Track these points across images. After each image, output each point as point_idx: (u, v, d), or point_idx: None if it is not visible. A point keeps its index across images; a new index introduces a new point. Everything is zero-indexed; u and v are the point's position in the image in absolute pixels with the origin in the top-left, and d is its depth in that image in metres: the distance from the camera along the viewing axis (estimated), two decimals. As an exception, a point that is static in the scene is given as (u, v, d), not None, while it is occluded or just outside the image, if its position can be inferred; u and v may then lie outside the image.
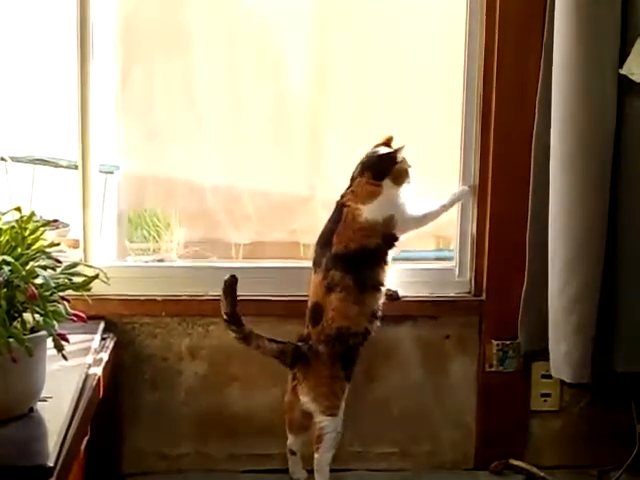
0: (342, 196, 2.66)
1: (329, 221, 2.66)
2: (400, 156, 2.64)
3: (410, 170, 2.66)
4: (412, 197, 2.67)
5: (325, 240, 2.64)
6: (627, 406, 2.83)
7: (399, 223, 2.63)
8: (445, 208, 2.78)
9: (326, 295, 2.60)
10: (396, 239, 2.65)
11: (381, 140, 2.71)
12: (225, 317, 2.58)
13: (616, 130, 2.57)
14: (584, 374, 2.66)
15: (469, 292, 2.91)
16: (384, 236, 2.62)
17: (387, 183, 2.62)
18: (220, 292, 2.59)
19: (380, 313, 2.64)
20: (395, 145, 2.67)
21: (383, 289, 2.64)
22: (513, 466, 2.88)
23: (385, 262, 2.64)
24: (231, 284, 2.58)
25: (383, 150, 2.67)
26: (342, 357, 2.60)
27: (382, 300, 2.64)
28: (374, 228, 2.60)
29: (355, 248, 2.59)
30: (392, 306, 2.72)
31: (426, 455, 2.95)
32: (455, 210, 2.89)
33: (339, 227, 2.62)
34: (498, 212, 2.81)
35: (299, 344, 2.62)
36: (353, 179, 2.66)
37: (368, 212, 2.60)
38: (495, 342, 2.85)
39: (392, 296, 2.74)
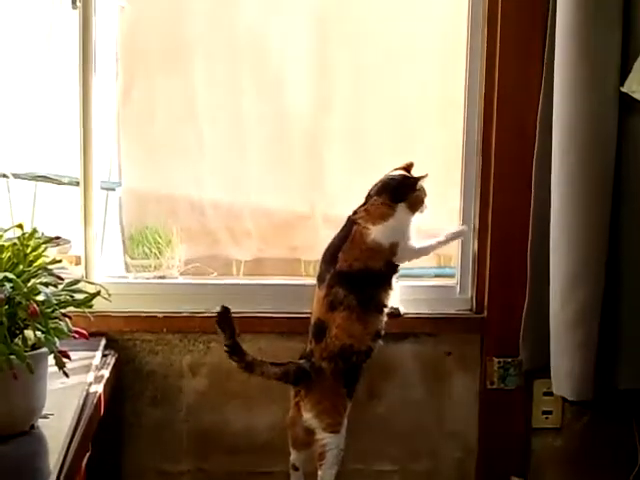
0: (354, 212, 2.65)
1: (337, 236, 2.65)
2: (420, 184, 2.63)
3: (425, 201, 2.65)
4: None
5: (330, 256, 2.63)
6: (629, 424, 2.83)
7: (400, 252, 2.62)
8: (441, 244, 2.75)
9: (329, 312, 2.59)
10: (396, 266, 2.64)
11: (401, 165, 2.68)
12: (226, 349, 2.55)
13: (617, 148, 2.57)
14: (586, 391, 2.65)
15: (470, 309, 2.91)
16: (387, 262, 2.61)
17: (402, 207, 2.61)
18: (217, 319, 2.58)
19: (383, 332, 2.63)
20: (415, 172, 2.66)
21: (387, 310, 2.63)
22: (514, 484, 2.88)
23: (389, 286, 2.63)
24: (224, 315, 2.56)
25: (403, 174, 2.66)
26: (345, 374, 2.59)
27: (385, 320, 2.63)
28: (379, 251, 2.59)
29: (359, 268, 2.59)
30: (393, 323, 2.71)
31: (427, 473, 2.94)
32: (456, 227, 2.88)
33: (346, 244, 2.61)
34: (499, 229, 2.81)
35: (301, 362, 2.61)
36: (369, 197, 2.64)
37: (376, 233, 2.59)
38: (496, 359, 2.84)
39: (393, 313, 2.73)
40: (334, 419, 2.59)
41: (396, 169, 2.67)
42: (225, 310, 2.56)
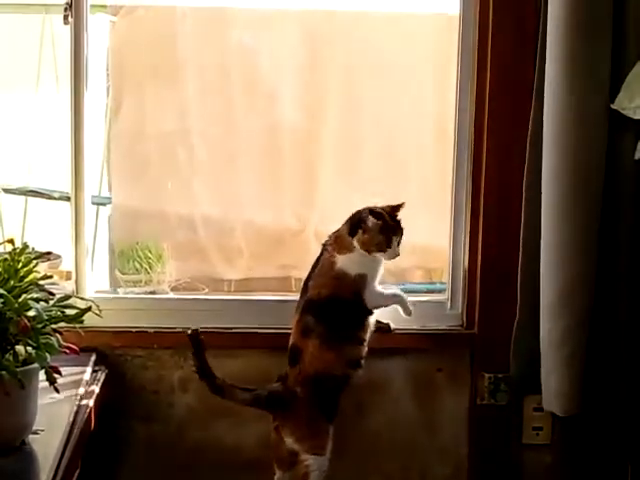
0: (327, 239, 2.62)
1: (314, 263, 2.64)
2: (372, 221, 2.51)
3: (385, 246, 2.53)
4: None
5: (305, 283, 2.63)
6: (619, 440, 2.83)
7: (369, 286, 2.57)
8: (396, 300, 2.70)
9: (302, 338, 2.57)
10: (364, 302, 2.58)
11: (394, 204, 2.60)
12: (196, 370, 2.54)
13: (608, 165, 2.58)
14: (575, 408, 2.66)
15: (461, 325, 2.91)
16: (355, 293, 2.57)
17: (356, 243, 2.55)
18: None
19: (363, 362, 2.60)
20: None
21: (365, 344, 2.60)
22: (504, 500, 2.88)
23: (363, 319, 2.60)
24: (194, 338, 2.54)
25: (374, 207, 2.56)
26: (320, 400, 2.57)
27: (365, 352, 2.60)
28: (345, 281, 2.56)
29: (327, 296, 2.56)
30: (383, 339, 2.72)
31: (418, 489, 2.94)
32: (447, 243, 2.89)
33: (315, 271, 2.61)
34: (490, 245, 2.81)
35: (274, 386, 2.60)
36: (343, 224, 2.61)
37: (342, 262, 2.56)
38: (487, 375, 2.84)
39: (383, 328, 2.73)
40: (316, 442, 2.57)
41: (389, 205, 2.59)
42: (195, 332, 2.54)
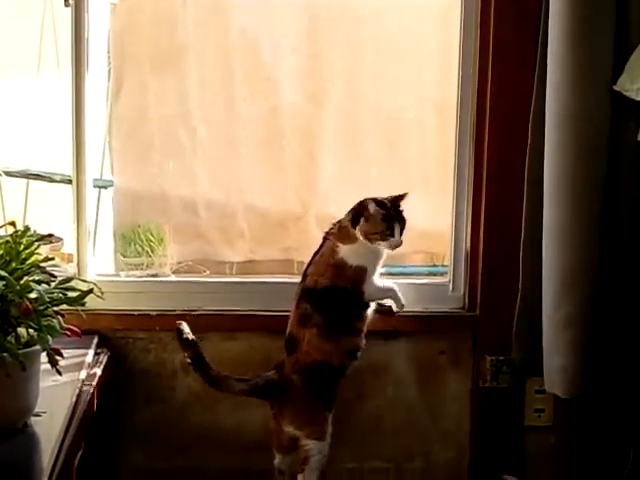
0: (330, 228, 2.62)
1: (315, 252, 2.64)
2: (374, 208, 2.52)
3: (386, 235, 2.52)
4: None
5: (305, 269, 2.63)
6: (621, 421, 2.83)
7: (368, 278, 2.58)
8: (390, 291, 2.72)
9: (300, 326, 2.58)
10: (363, 294, 2.59)
11: (397, 194, 2.60)
12: (189, 361, 2.54)
13: (610, 147, 2.57)
14: (578, 389, 2.66)
15: (463, 307, 2.91)
16: (354, 284, 2.57)
17: (358, 233, 2.55)
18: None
19: (359, 354, 2.60)
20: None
21: (362, 334, 2.60)
22: (507, 482, 2.88)
23: (362, 310, 2.60)
24: (180, 332, 2.54)
25: (377, 197, 2.57)
26: (317, 388, 2.57)
27: (363, 343, 2.61)
28: (344, 270, 2.56)
29: (325, 285, 2.56)
30: (385, 321, 2.72)
31: (419, 471, 2.94)
32: (449, 226, 2.89)
33: (316, 258, 2.61)
34: (492, 227, 2.81)
35: (270, 374, 2.59)
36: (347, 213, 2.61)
37: (344, 252, 2.56)
38: (489, 357, 2.84)
39: (386, 311, 2.73)
40: (315, 428, 2.58)
41: (391, 196, 2.59)
42: (181, 326, 2.54)
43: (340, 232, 2.58)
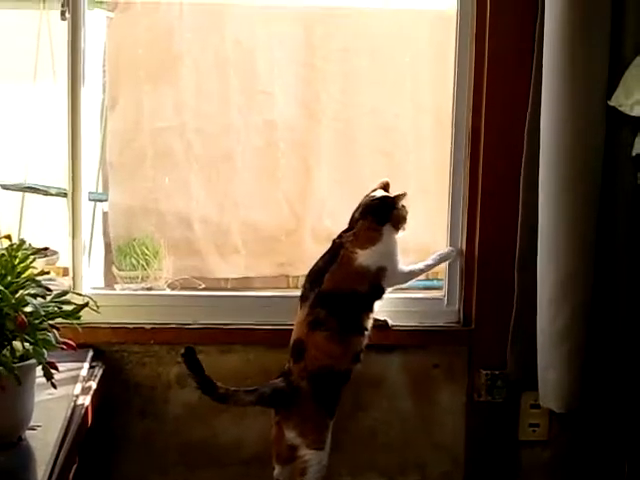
0: (340, 236, 2.64)
1: (322, 259, 2.64)
2: (400, 202, 2.63)
3: (407, 217, 2.65)
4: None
5: (316, 277, 2.62)
6: (616, 436, 2.83)
7: (388, 276, 2.62)
8: (429, 267, 2.78)
9: (310, 332, 2.57)
10: (383, 291, 2.64)
11: (377, 185, 2.69)
12: (197, 386, 2.52)
13: (605, 160, 2.58)
14: (573, 404, 2.66)
15: (458, 322, 2.90)
16: (372, 286, 2.61)
17: (387, 228, 2.61)
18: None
19: (362, 356, 2.61)
20: (402, 188, 2.65)
21: (367, 333, 2.62)
22: (501, 496, 2.88)
23: (371, 309, 2.63)
24: (190, 356, 2.52)
25: (383, 194, 2.66)
26: (324, 395, 2.57)
27: (365, 343, 2.62)
28: (366, 275, 2.59)
29: (345, 291, 2.58)
30: (381, 335, 2.72)
31: (415, 485, 2.94)
32: (444, 239, 2.89)
33: (333, 267, 2.60)
34: (487, 243, 2.81)
35: (277, 381, 2.59)
36: (354, 221, 2.64)
37: (364, 257, 2.58)
38: (484, 372, 2.84)
39: (381, 325, 2.73)
40: (317, 436, 2.58)
41: (374, 190, 2.67)
42: (190, 350, 2.52)
43: (358, 238, 2.60)
